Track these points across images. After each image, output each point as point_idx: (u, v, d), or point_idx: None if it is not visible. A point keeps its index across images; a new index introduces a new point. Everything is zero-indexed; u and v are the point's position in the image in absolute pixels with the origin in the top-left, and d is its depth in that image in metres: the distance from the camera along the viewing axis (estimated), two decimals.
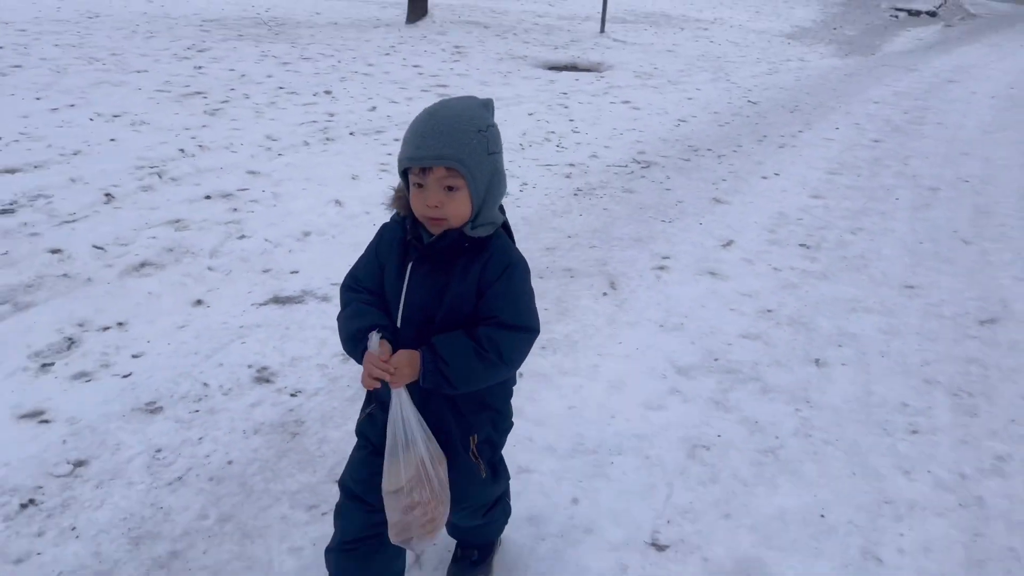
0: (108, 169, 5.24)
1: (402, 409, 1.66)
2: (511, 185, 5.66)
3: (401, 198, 1.69)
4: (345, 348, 1.73)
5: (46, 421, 2.74)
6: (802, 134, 7.80)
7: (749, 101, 9.43)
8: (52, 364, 3.09)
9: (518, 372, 1.80)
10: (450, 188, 1.58)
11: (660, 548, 2.32)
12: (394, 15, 14.68)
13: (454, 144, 1.56)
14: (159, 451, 2.63)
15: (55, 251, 3.98)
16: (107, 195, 4.81)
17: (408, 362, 1.62)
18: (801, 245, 4.78)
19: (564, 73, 10.52)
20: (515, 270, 1.68)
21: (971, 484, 2.67)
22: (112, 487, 2.44)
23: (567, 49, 12.36)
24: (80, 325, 3.37)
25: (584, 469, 2.66)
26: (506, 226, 1.74)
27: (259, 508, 2.40)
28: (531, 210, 5.20)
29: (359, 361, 1.66)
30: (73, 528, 2.27)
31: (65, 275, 3.77)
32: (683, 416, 2.98)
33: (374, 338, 1.62)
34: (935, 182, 6.30)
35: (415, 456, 1.67)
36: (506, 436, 1.95)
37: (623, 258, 4.46)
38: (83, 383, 2.98)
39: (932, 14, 23.52)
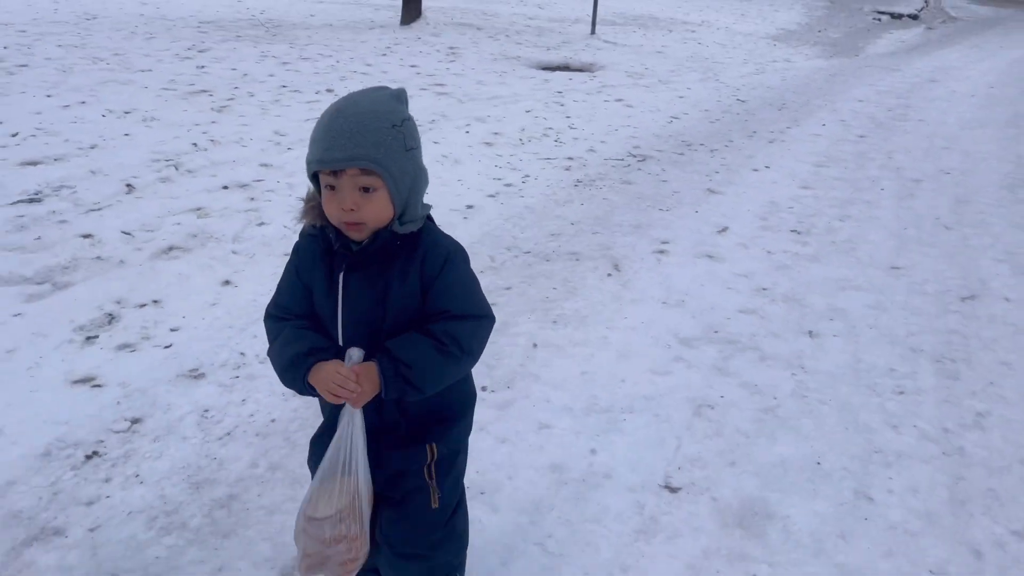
0: (125, 162, 5.42)
1: (353, 433, 1.56)
2: (513, 177, 5.89)
3: (314, 208, 1.55)
4: (283, 380, 1.59)
5: (98, 386, 2.94)
6: (790, 130, 8.07)
7: (738, 99, 9.70)
8: (96, 337, 3.28)
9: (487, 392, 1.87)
10: (366, 189, 1.46)
11: (673, 490, 2.55)
12: (387, 17, 14.88)
13: (367, 143, 1.43)
14: (207, 411, 2.83)
15: (86, 236, 4.17)
16: (128, 185, 5.00)
17: (367, 377, 1.50)
18: (792, 231, 5.03)
19: (558, 73, 10.77)
20: (455, 259, 1.58)
21: (953, 437, 2.92)
22: (168, 441, 2.65)
23: (559, 50, 12.60)
24: (118, 302, 3.57)
25: (599, 425, 2.88)
26: (429, 217, 1.64)
27: (304, 459, 2.59)
28: (534, 200, 5.43)
29: (302, 391, 1.56)
30: (137, 475, 2.47)
31: (98, 258, 3.96)
32: (688, 380, 3.22)
33: (356, 354, 1.52)
34: (918, 174, 6.58)
35: (352, 485, 1.56)
36: (465, 462, 1.82)
37: (624, 243, 4.69)
38: (128, 353, 3.18)
39: (914, 17, 23.97)
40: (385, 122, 1.46)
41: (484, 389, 3.08)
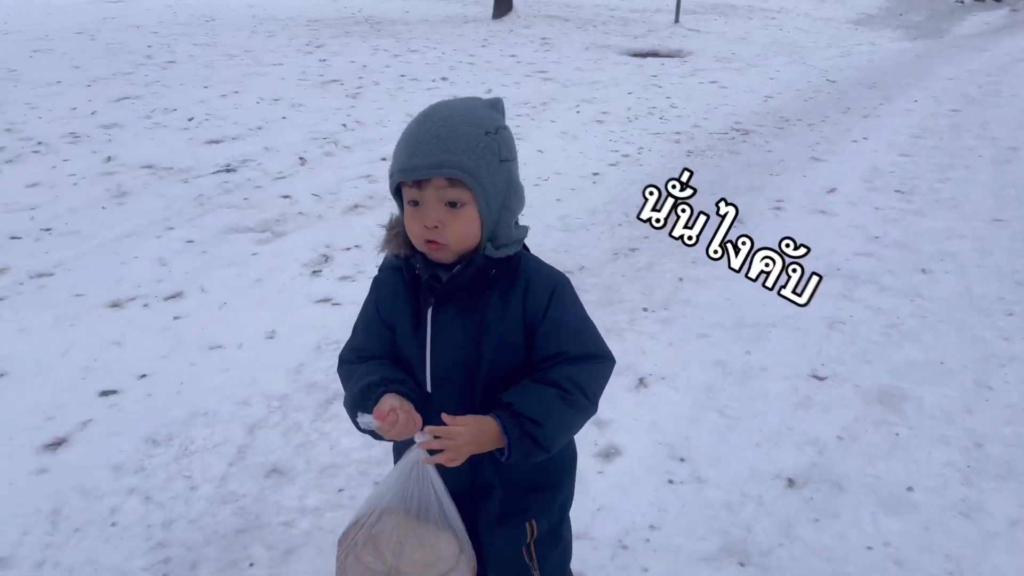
0: (291, 140, 6.20)
1: (430, 477, 1.33)
2: (629, 149, 6.46)
3: (398, 235, 1.36)
4: (355, 422, 1.32)
5: (337, 304, 3.65)
6: (883, 106, 8.42)
7: (828, 80, 10.05)
8: (320, 271, 4.00)
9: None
10: (452, 204, 1.28)
11: (820, 379, 3.11)
12: (478, 12, 15.58)
13: (456, 149, 1.26)
14: None
15: (285, 196, 4.93)
16: (301, 159, 5.76)
17: (475, 434, 1.27)
18: (897, 191, 5.48)
19: (649, 59, 11.27)
20: (563, 291, 1.38)
21: None
22: None
23: (646, 38, 13.09)
24: (327, 246, 4.29)
25: (749, 336, 3.45)
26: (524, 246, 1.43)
27: None
28: (652, 167, 6.00)
29: (363, 428, 1.30)
30: None
31: (300, 213, 4.70)
32: (820, 304, 3.73)
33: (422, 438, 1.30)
34: (1013, 143, 6.90)
35: (455, 534, 1.35)
36: (571, 543, 1.55)
37: (742, 201, 5.21)
38: (350, 282, 3.88)
39: None
40: (478, 128, 1.29)
41: (645, 310, 3.69)
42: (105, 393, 2.89)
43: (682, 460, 2.61)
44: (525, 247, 1.41)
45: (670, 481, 2.51)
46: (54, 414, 2.75)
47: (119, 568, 2.11)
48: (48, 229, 4.32)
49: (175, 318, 3.45)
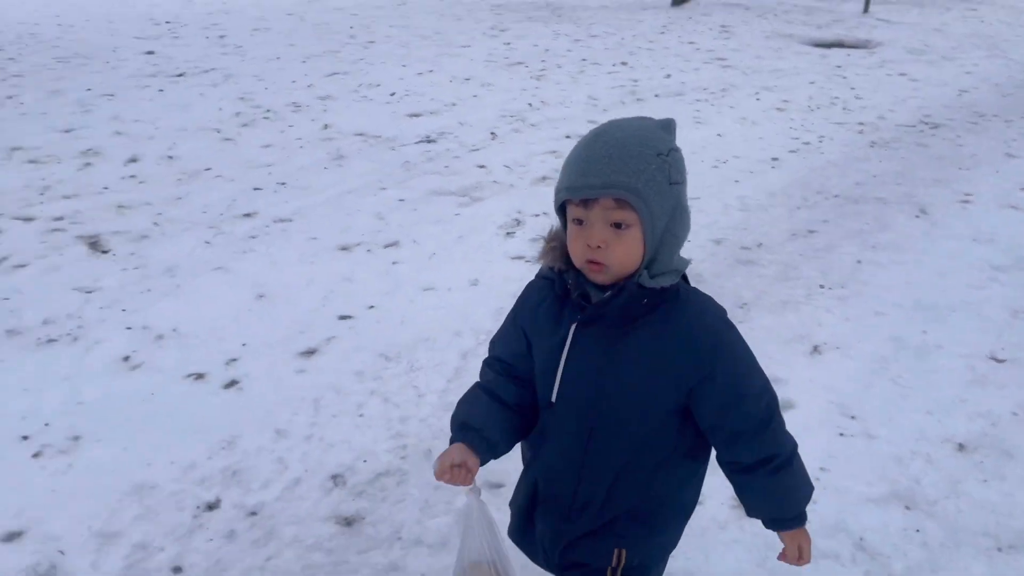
0: (483, 117, 6.69)
1: (496, 553, 1.46)
2: (810, 137, 6.48)
3: (555, 248, 1.39)
4: None
5: (528, 261, 4.04)
6: None
7: None
8: (513, 233, 4.42)
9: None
10: (617, 225, 1.27)
11: (999, 361, 3.18)
12: None
13: (626, 170, 1.24)
14: None
15: (481, 166, 5.40)
16: (492, 134, 6.24)
17: (809, 546, 1.46)
18: None
19: (833, 49, 11.00)
20: (730, 332, 1.39)
21: None
22: None
23: (831, 28, 12.72)
24: (519, 212, 4.71)
25: (927, 316, 3.54)
26: (684, 277, 1.39)
27: None
28: (834, 156, 6.02)
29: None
30: None
31: (495, 182, 5.16)
32: (1003, 294, 3.77)
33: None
34: None
35: None
36: (664, 565, 1.55)
37: (928, 193, 5.18)
38: (539, 244, 4.27)
39: None
40: (650, 149, 1.28)
41: (822, 287, 3.83)
42: (343, 317, 3.44)
43: (853, 418, 2.80)
44: (685, 278, 1.38)
45: (841, 434, 2.72)
46: (304, 330, 3.32)
47: (367, 448, 2.60)
48: (283, 183, 5.01)
49: (393, 263, 3.98)
